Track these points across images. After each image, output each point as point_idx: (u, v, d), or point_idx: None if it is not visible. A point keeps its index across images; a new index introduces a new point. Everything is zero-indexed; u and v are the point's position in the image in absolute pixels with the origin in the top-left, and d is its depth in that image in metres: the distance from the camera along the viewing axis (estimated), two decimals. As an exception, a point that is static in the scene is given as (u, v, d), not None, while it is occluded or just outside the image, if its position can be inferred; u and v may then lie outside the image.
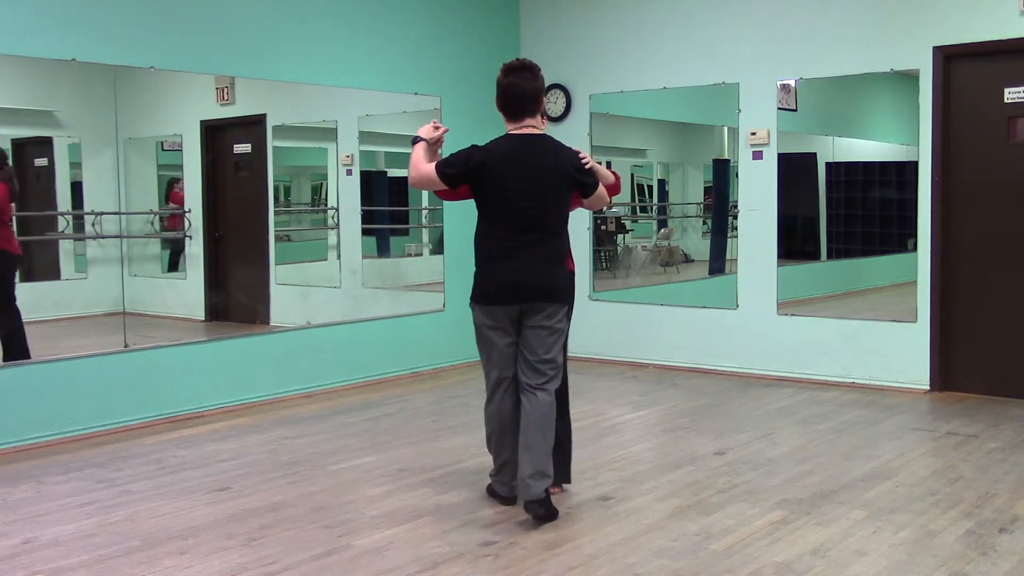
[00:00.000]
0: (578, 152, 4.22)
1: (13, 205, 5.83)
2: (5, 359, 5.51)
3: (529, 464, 3.94)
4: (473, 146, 4.05)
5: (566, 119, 8.06)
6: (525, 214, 3.99)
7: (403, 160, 8.50)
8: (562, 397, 4.27)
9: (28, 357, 5.58)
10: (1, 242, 5.73)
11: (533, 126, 4.05)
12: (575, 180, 4.09)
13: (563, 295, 4.06)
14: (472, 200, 4.15)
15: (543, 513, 3.94)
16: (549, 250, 4.04)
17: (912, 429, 5.56)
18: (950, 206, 6.41)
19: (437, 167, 4.03)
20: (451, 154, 4.08)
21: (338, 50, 6.91)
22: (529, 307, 4.00)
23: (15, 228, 5.93)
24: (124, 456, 5.16)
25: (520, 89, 4.00)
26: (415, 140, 4.14)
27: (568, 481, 4.42)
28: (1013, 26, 6.04)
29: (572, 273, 4.22)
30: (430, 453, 5.15)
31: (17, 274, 5.97)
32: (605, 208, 4.11)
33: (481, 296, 4.10)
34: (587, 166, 4.16)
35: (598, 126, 7.97)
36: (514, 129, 4.06)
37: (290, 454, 5.16)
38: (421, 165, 4.07)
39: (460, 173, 4.02)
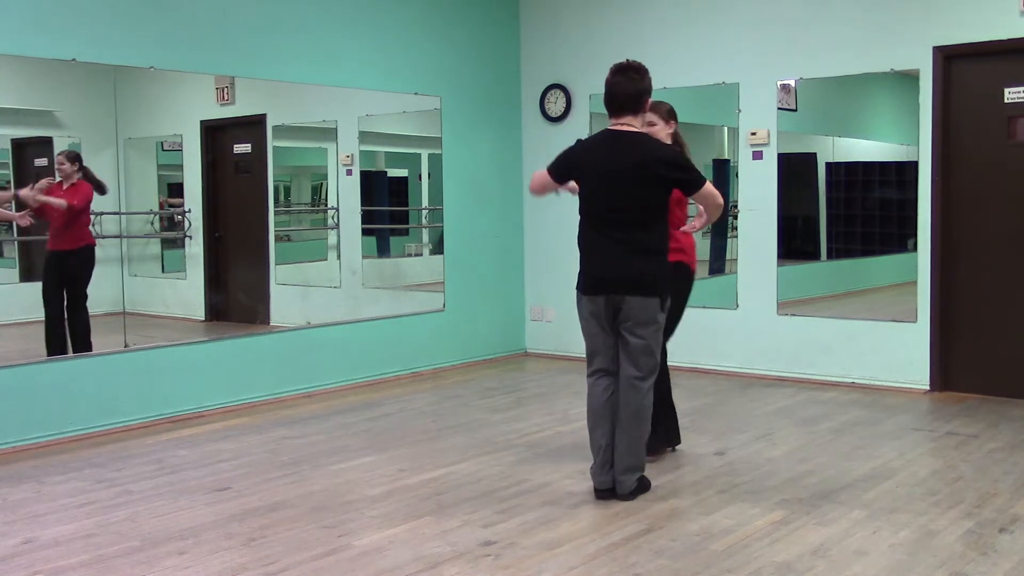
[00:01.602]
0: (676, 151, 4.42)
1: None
2: (76, 351, 5.79)
3: (620, 459, 4.21)
4: (577, 141, 4.38)
5: (566, 119, 8.06)
6: (607, 207, 4.15)
7: (403, 160, 8.56)
8: (661, 381, 4.61)
9: (91, 349, 5.84)
10: (86, 238, 5.99)
11: (631, 124, 4.18)
12: (667, 177, 4.14)
13: (649, 288, 4.12)
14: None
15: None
16: (633, 243, 4.13)
17: (912, 429, 5.56)
18: (950, 206, 6.41)
19: (547, 168, 4.34)
20: (557, 156, 4.39)
21: (338, 50, 6.92)
22: (619, 299, 4.13)
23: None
24: (124, 456, 5.16)
25: (621, 88, 4.18)
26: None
27: (678, 442, 5.00)
28: (1013, 26, 6.04)
29: (671, 264, 4.37)
30: (430, 453, 5.15)
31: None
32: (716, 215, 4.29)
33: (579, 285, 4.26)
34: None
35: (598, 126, 7.91)
36: (612, 125, 4.22)
37: (290, 454, 5.16)
38: (536, 173, 4.43)
39: (563, 165, 4.31)
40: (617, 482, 4.23)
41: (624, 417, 4.19)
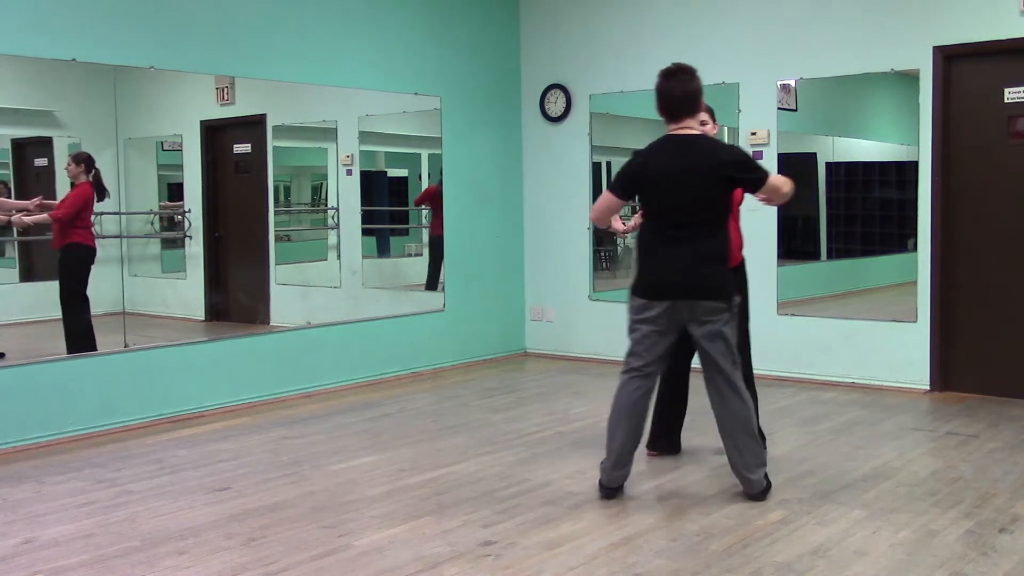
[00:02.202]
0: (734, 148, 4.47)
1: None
2: (73, 351, 5.74)
3: (743, 461, 4.22)
4: (634, 152, 4.29)
5: (566, 119, 8.06)
6: (676, 212, 4.14)
7: (403, 160, 8.56)
8: (683, 386, 4.85)
9: (95, 349, 5.78)
10: (86, 237, 5.99)
11: (690, 127, 4.20)
12: (737, 179, 4.17)
13: (717, 292, 4.14)
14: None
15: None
16: (701, 248, 4.14)
17: (912, 429, 5.56)
18: (950, 206, 6.41)
19: (611, 190, 4.29)
20: (616, 174, 4.38)
21: (338, 50, 6.92)
22: (687, 305, 4.13)
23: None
24: (124, 456, 5.16)
25: (675, 92, 4.21)
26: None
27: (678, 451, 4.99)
28: (1013, 26, 6.04)
29: (734, 267, 4.46)
30: (430, 453, 5.15)
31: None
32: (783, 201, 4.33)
33: (640, 290, 4.23)
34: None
35: (598, 126, 7.97)
36: (672, 130, 4.22)
37: (290, 454, 5.16)
38: (599, 201, 4.39)
39: (628, 183, 4.26)
40: (748, 482, 4.22)
41: (733, 423, 4.21)
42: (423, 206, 8.30)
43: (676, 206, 4.14)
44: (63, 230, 5.96)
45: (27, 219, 5.89)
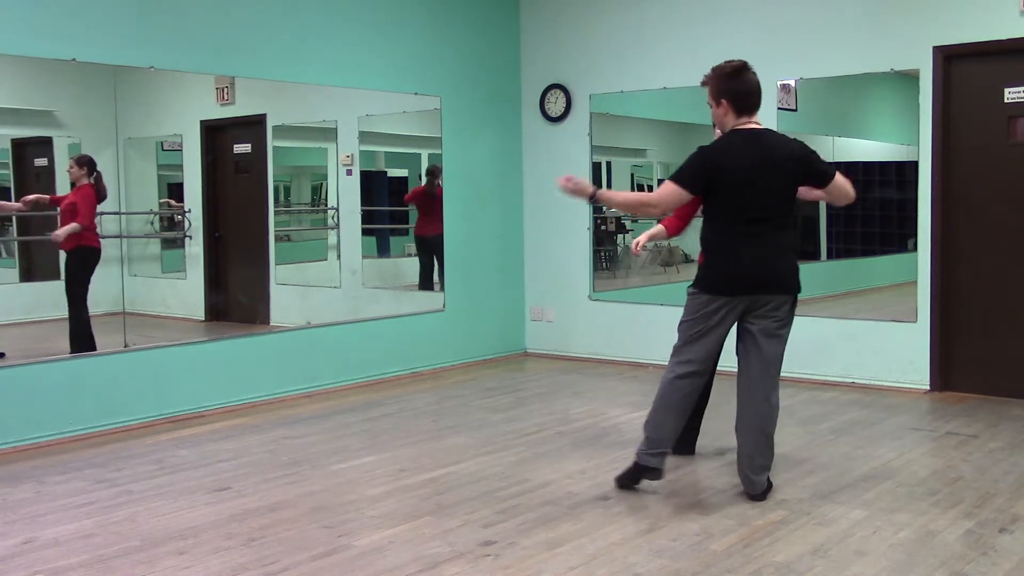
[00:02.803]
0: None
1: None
2: (75, 350, 5.78)
3: (752, 460, 4.22)
4: (701, 148, 4.21)
5: (566, 119, 8.06)
6: (753, 207, 4.12)
7: (403, 160, 8.56)
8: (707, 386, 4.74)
9: (95, 348, 5.81)
10: (91, 239, 6.03)
11: (757, 122, 4.22)
12: (806, 170, 4.20)
13: (796, 287, 4.21)
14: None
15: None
16: (781, 242, 4.19)
17: (912, 429, 5.56)
18: (950, 206, 6.41)
19: (677, 182, 4.14)
20: (683, 167, 4.21)
21: (338, 50, 6.92)
22: (754, 300, 4.15)
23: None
24: (124, 456, 5.16)
25: (755, 85, 4.22)
26: (596, 189, 4.30)
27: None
28: (1013, 26, 6.04)
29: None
30: (430, 453, 5.16)
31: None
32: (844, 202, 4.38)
33: (713, 287, 4.19)
34: None
35: (598, 126, 7.97)
36: (740, 125, 4.19)
37: (290, 454, 5.16)
38: (653, 196, 4.30)
39: (699, 177, 4.15)
40: (751, 482, 4.23)
41: (759, 426, 4.22)
42: (411, 205, 8.30)
43: (754, 201, 4.12)
44: (71, 233, 5.99)
45: (60, 233, 5.93)
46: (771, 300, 4.16)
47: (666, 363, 4.39)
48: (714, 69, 4.26)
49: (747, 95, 4.19)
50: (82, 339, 5.87)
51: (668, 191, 4.17)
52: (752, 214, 4.12)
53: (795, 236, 4.29)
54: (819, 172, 4.23)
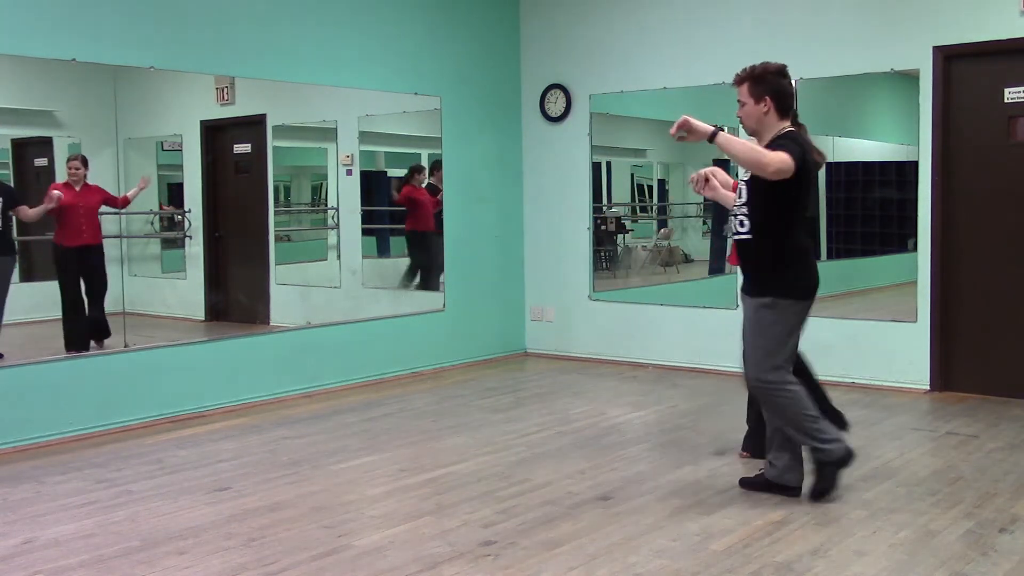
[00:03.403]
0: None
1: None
2: (100, 340, 5.96)
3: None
4: (792, 134, 4.13)
5: (566, 119, 8.06)
6: (808, 209, 4.24)
7: (403, 160, 8.55)
8: None
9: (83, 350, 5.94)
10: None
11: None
12: None
13: None
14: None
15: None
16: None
17: (912, 429, 5.56)
18: (950, 206, 6.41)
19: (792, 156, 3.96)
20: (795, 142, 4.05)
21: (338, 50, 6.92)
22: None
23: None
24: (124, 456, 5.16)
25: (793, 88, 4.26)
26: (717, 130, 4.07)
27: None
28: (1013, 26, 6.04)
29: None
30: (430, 453, 5.16)
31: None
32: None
33: (805, 292, 4.19)
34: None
35: (598, 126, 7.97)
36: (788, 127, 4.19)
37: (290, 454, 5.16)
38: (771, 154, 3.97)
39: (803, 164, 4.04)
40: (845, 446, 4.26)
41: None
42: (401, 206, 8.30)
43: (809, 204, 4.25)
44: (95, 228, 6.13)
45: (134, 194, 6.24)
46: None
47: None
48: (755, 67, 4.21)
49: (792, 96, 4.27)
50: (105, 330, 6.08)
51: (782, 159, 3.94)
52: (807, 216, 4.24)
53: None
54: None
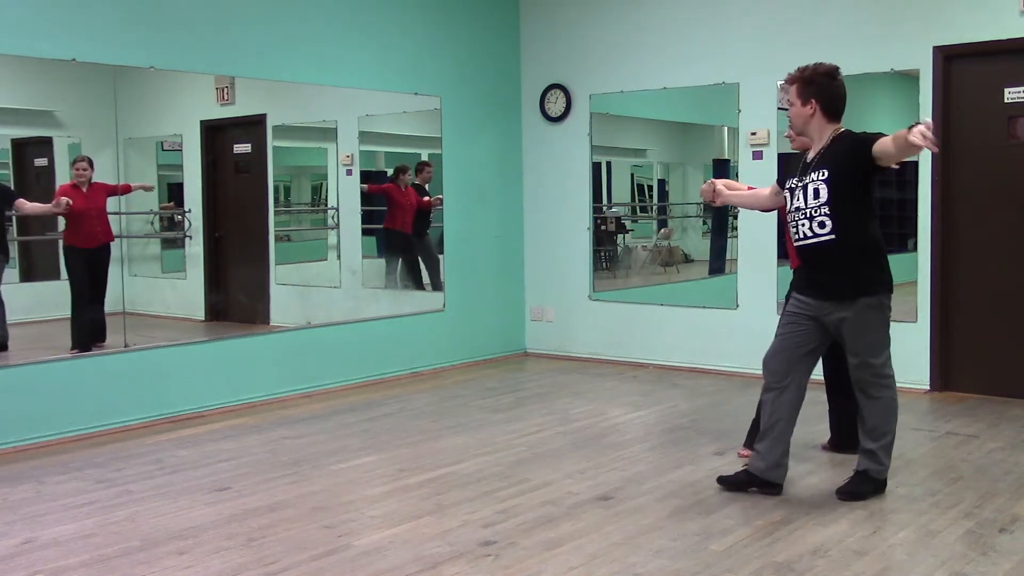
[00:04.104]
0: None
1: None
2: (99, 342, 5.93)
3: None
4: (849, 133, 4.21)
5: (566, 119, 8.06)
6: None
7: (403, 160, 8.55)
8: None
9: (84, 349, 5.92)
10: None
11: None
12: None
13: None
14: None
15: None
16: None
17: (912, 429, 5.56)
18: (950, 206, 6.42)
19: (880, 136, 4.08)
20: (863, 134, 4.15)
21: (338, 50, 6.91)
22: None
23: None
24: (124, 456, 5.16)
25: (845, 91, 4.28)
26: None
27: None
28: (1013, 26, 6.04)
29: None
30: (430, 453, 5.16)
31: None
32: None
33: (892, 283, 4.28)
34: None
35: (598, 126, 7.97)
36: (840, 128, 4.24)
37: (290, 454, 5.16)
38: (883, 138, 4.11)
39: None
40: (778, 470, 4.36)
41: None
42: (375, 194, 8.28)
43: None
44: (107, 229, 6.17)
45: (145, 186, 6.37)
46: None
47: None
48: (807, 68, 4.22)
49: (841, 99, 4.25)
50: (103, 331, 6.08)
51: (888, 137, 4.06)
52: None
53: None
54: None
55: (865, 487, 4.28)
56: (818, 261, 4.18)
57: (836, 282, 4.16)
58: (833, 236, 4.09)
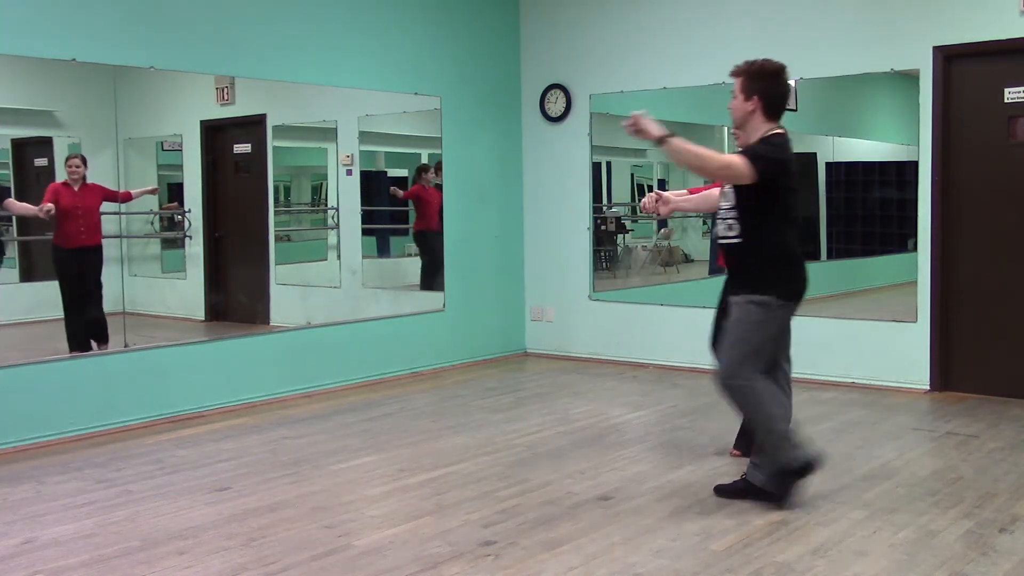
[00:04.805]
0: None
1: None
2: (100, 343, 5.90)
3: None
4: (778, 137, 4.11)
5: (566, 119, 8.06)
6: (798, 211, 4.22)
7: (403, 160, 8.56)
8: None
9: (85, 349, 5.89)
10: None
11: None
12: None
13: None
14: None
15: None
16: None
17: (912, 429, 5.56)
18: (950, 206, 6.41)
19: (751, 162, 3.97)
20: (760, 150, 4.04)
21: (338, 50, 6.91)
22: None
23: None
24: (124, 456, 5.16)
25: (789, 91, 4.21)
26: (667, 137, 4.05)
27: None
28: (1013, 26, 6.04)
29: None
30: (430, 453, 5.16)
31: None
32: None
33: (794, 294, 4.20)
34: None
35: (598, 126, 7.97)
36: (775, 129, 4.14)
37: (290, 454, 5.16)
38: (722, 157, 4.06)
39: (771, 173, 4.01)
40: (809, 449, 4.22)
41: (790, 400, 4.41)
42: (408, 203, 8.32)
43: (798, 206, 4.23)
44: (94, 229, 6.10)
45: (140, 192, 6.29)
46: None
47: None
48: (753, 64, 4.15)
49: (784, 98, 4.18)
50: (104, 332, 6.02)
51: (729, 163, 4.00)
52: (797, 219, 4.22)
53: None
54: None
55: (785, 484, 4.19)
56: (728, 260, 4.32)
57: (737, 280, 4.29)
58: (740, 240, 4.17)
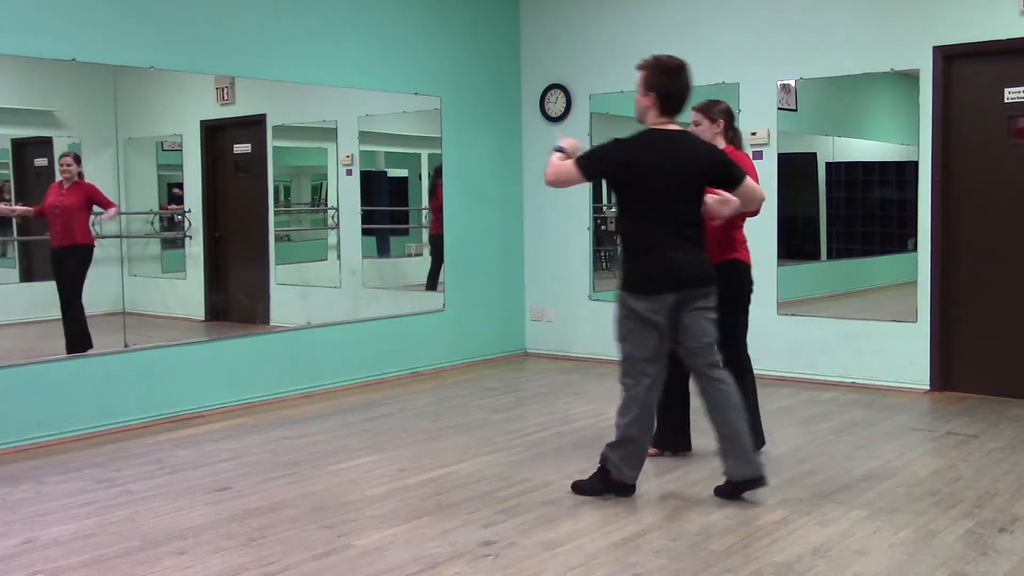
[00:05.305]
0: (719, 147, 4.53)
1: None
2: (73, 351, 5.77)
3: (748, 444, 4.19)
4: (616, 141, 4.19)
5: (566, 119, 8.06)
6: (676, 207, 4.15)
7: (403, 160, 8.56)
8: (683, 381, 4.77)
9: (92, 347, 5.81)
10: (88, 237, 6.06)
11: (673, 124, 4.20)
12: (723, 174, 4.24)
13: (713, 280, 4.25)
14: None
15: (762, 482, 4.21)
16: (697, 240, 4.23)
17: (912, 429, 5.56)
18: (950, 206, 6.41)
19: (578, 164, 4.17)
20: (591, 150, 4.35)
21: (338, 50, 6.91)
22: (691, 293, 4.17)
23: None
24: (124, 456, 5.16)
25: (687, 89, 4.18)
26: (557, 149, 4.26)
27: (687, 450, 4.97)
28: (1013, 26, 6.04)
29: (730, 261, 4.70)
30: (430, 453, 5.16)
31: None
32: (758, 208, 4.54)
33: (645, 287, 4.18)
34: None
35: (598, 126, 7.97)
36: (661, 124, 4.16)
37: (290, 454, 5.16)
38: (558, 164, 4.22)
39: (606, 169, 4.29)
40: (754, 465, 4.19)
41: (733, 408, 4.19)
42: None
43: (677, 201, 4.14)
44: (70, 229, 6.00)
45: (111, 214, 6.10)
46: (704, 291, 4.20)
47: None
48: (655, 59, 4.19)
49: (678, 97, 4.16)
50: (83, 339, 5.86)
51: (565, 170, 4.18)
52: (679, 216, 4.15)
53: (704, 235, 4.34)
54: (735, 176, 4.24)
55: (599, 483, 4.31)
56: None
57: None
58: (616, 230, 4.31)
